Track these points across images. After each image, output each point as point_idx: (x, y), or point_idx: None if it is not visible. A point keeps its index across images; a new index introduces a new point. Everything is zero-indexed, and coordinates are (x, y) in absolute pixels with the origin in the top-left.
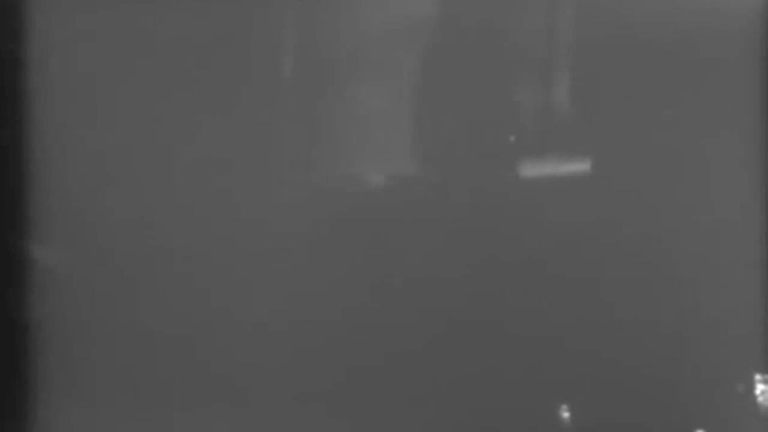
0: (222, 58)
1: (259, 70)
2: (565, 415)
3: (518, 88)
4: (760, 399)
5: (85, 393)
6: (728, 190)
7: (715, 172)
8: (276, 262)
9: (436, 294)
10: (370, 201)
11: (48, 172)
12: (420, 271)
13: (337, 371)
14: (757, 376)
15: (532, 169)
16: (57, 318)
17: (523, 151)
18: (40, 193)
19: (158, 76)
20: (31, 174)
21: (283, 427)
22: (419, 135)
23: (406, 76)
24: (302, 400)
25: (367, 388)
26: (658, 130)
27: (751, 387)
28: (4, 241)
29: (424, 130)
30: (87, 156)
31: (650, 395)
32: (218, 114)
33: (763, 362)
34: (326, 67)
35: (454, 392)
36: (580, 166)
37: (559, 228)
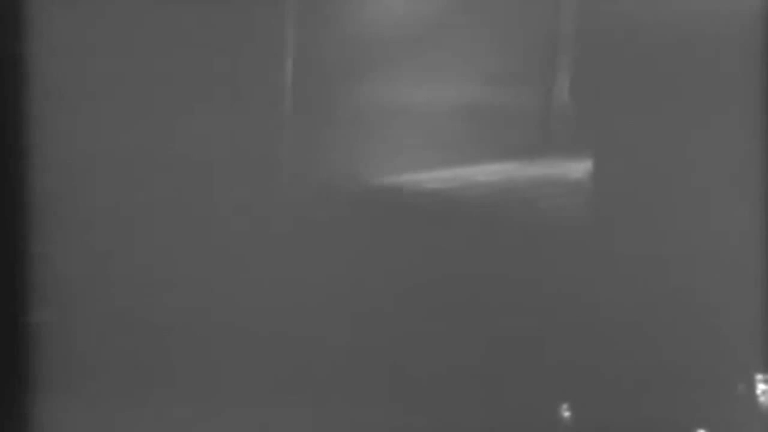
0: (222, 58)
1: (259, 69)
2: (566, 414)
3: (519, 88)
4: (761, 399)
5: (84, 392)
6: (728, 190)
7: (715, 172)
8: (274, 262)
9: (436, 294)
10: (369, 201)
11: (48, 172)
12: (420, 271)
13: (337, 371)
14: (757, 376)
15: (532, 169)
16: (57, 318)
17: (523, 150)
18: (40, 193)
19: (158, 76)
20: (31, 174)
21: (282, 426)
22: (418, 135)
23: (406, 77)
24: (301, 400)
25: (366, 388)
26: (658, 130)
27: (751, 387)
28: (4, 242)
29: (424, 130)
30: (87, 156)
31: (651, 395)
32: (219, 114)
33: (763, 362)
34: (325, 68)
35: (454, 392)
36: (580, 166)
37: (560, 227)
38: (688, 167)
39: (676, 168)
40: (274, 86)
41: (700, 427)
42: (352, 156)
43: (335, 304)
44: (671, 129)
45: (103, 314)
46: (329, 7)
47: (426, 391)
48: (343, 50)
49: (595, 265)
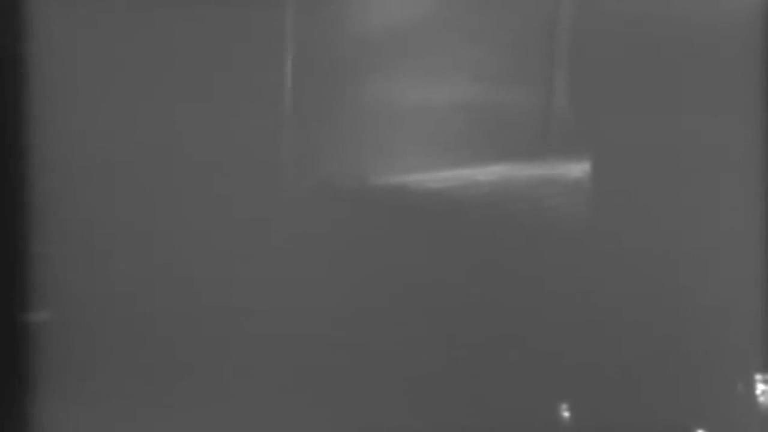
0: (222, 58)
1: (259, 69)
2: (565, 414)
3: (519, 88)
4: (760, 399)
5: (84, 393)
6: (728, 189)
7: (715, 171)
8: (273, 262)
9: (437, 295)
10: (369, 201)
11: (48, 172)
12: (420, 270)
13: (337, 371)
14: (757, 376)
15: (532, 169)
16: (57, 318)
17: (523, 150)
18: (40, 193)
19: (158, 75)
20: (31, 174)
21: (283, 426)
22: (418, 135)
23: (406, 77)
24: (301, 400)
25: (367, 387)
26: (658, 129)
27: (751, 387)
28: (4, 242)
29: (423, 130)
30: (87, 156)
31: (650, 395)
32: (219, 114)
33: (763, 362)
34: (325, 68)
35: (454, 392)
36: (580, 166)
37: (560, 227)
38: (688, 167)
39: (675, 168)
40: (274, 86)
41: (700, 427)
42: (351, 156)
43: (333, 303)
44: (671, 129)
45: (103, 314)
46: (329, 7)
47: (426, 390)
48: (343, 50)
49: (595, 264)
